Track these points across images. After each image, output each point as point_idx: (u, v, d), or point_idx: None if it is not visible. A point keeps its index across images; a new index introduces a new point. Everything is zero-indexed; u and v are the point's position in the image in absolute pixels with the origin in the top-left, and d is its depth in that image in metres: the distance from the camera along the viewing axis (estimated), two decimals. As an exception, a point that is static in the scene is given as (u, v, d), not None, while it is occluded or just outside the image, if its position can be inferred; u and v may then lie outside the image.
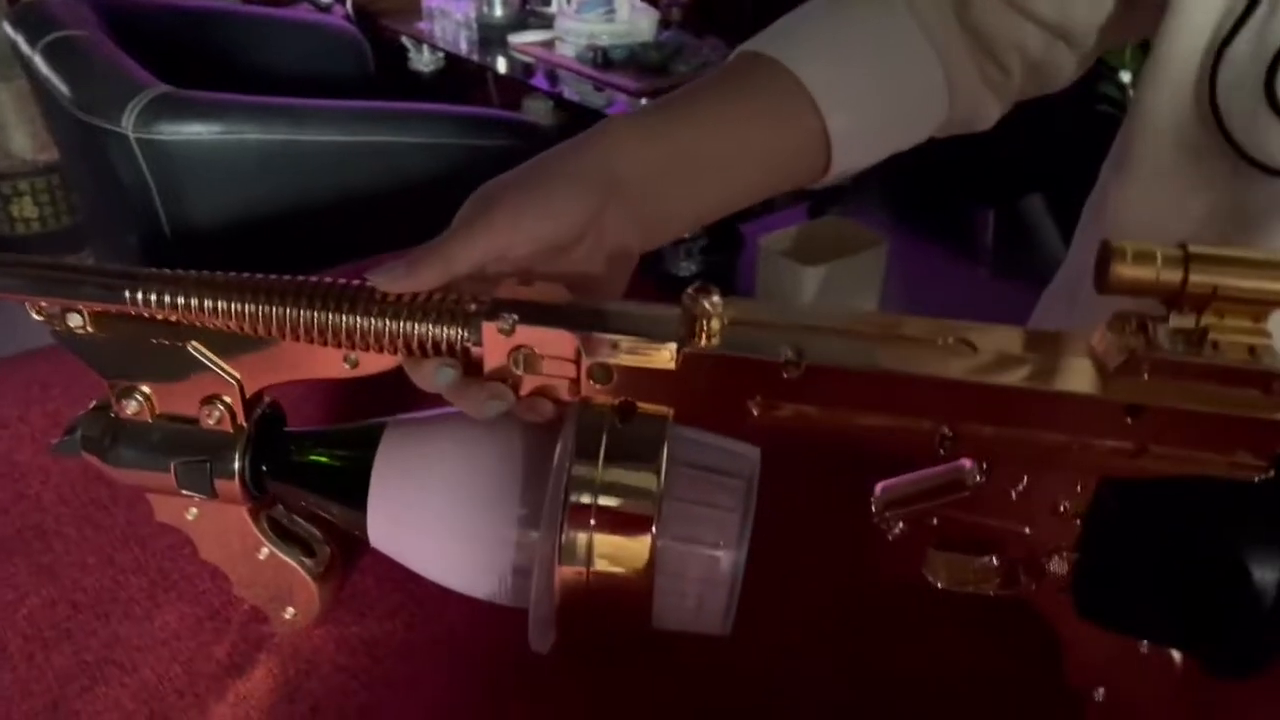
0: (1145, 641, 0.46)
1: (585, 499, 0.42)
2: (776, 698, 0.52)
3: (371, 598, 0.56)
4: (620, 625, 0.45)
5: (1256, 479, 0.41)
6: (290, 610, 0.53)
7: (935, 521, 0.45)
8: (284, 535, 0.52)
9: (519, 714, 0.51)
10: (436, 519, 0.47)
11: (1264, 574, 0.40)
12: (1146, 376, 0.40)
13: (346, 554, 0.56)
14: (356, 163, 1.47)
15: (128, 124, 1.31)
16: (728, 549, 0.45)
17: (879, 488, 0.46)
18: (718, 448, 0.47)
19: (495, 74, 2.72)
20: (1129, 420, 0.40)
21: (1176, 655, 0.47)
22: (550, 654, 0.48)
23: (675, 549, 0.44)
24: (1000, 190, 1.44)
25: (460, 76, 2.92)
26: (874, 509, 0.46)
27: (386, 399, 0.52)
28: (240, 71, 1.84)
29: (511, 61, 2.62)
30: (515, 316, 0.42)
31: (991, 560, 0.48)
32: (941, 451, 0.42)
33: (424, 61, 2.96)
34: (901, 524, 0.45)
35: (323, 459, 0.49)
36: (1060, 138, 1.46)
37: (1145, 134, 0.60)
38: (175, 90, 1.36)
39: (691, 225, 0.55)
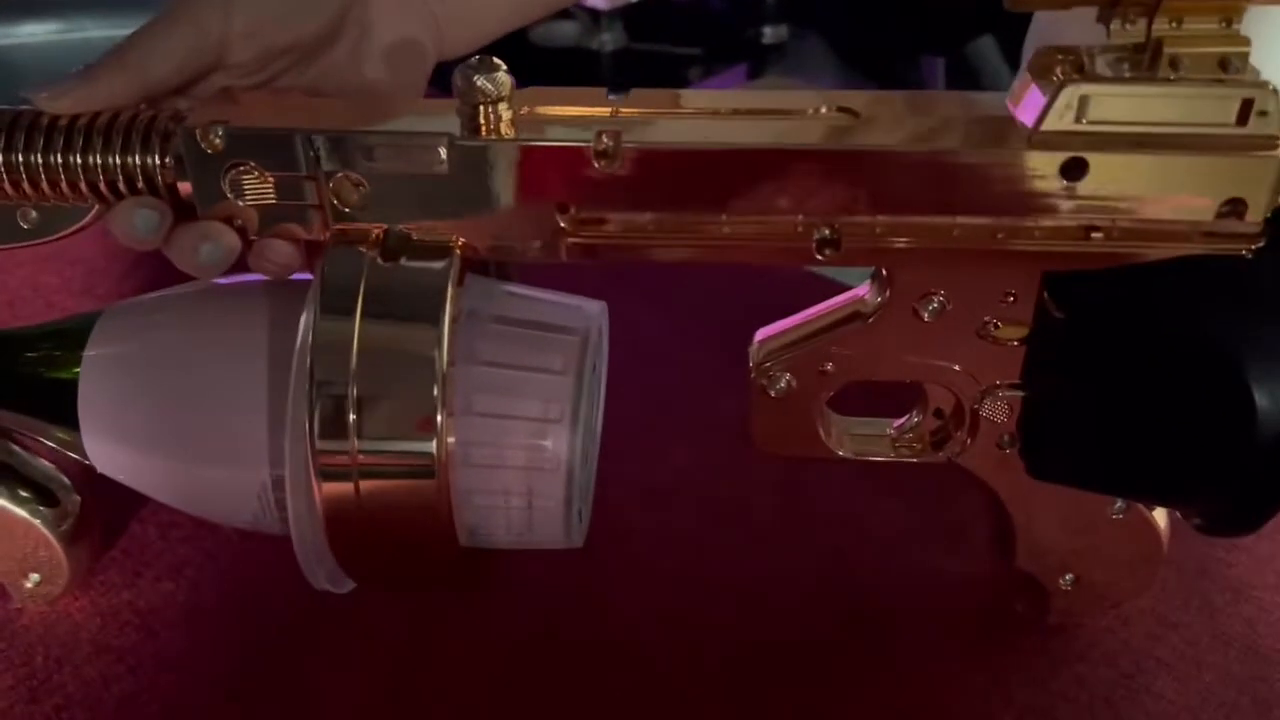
0: (1119, 501, 0.36)
1: (336, 377, 0.31)
2: (641, 632, 0.41)
3: (150, 554, 0.44)
4: (420, 548, 0.33)
5: (1246, 252, 0.30)
6: (34, 578, 0.41)
7: (829, 368, 0.34)
8: (14, 480, 0.40)
9: (324, 684, 0.39)
10: (165, 428, 0.35)
11: (1273, 392, 0.29)
12: (1085, 122, 0.29)
13: (119, 499, 0.44)
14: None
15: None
16: (559, 423, 0.33)
17: (756, 338, 0.35)
18: (537, 298, 0.36)
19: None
20: (1065, 184, 0.29)
21: (1160, 517, 0.37)
22: (359, 597, 0.37)
23: (481, 431, 0.33)
24: (947, 36, 1.33)
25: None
26: (751, 366, 0.35)
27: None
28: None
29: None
30: (223, 125, 0.31)
31: (911, 417, 0.37)
32: (820, 257, 0.31)
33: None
34: (788, 377, 0.34)
35: (26, 367, 0.37)
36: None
37: None
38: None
39: (504, 19, 0.42)
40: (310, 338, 0.31)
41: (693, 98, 0.33)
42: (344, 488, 0.32)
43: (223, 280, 0.36)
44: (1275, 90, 0.28)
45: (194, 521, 0.44)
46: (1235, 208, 0.30)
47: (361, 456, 0.31)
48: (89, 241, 0.54)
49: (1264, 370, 0.29)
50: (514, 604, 0.41)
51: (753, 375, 0.35)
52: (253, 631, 0.41)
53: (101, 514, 0.43)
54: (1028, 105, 0.30)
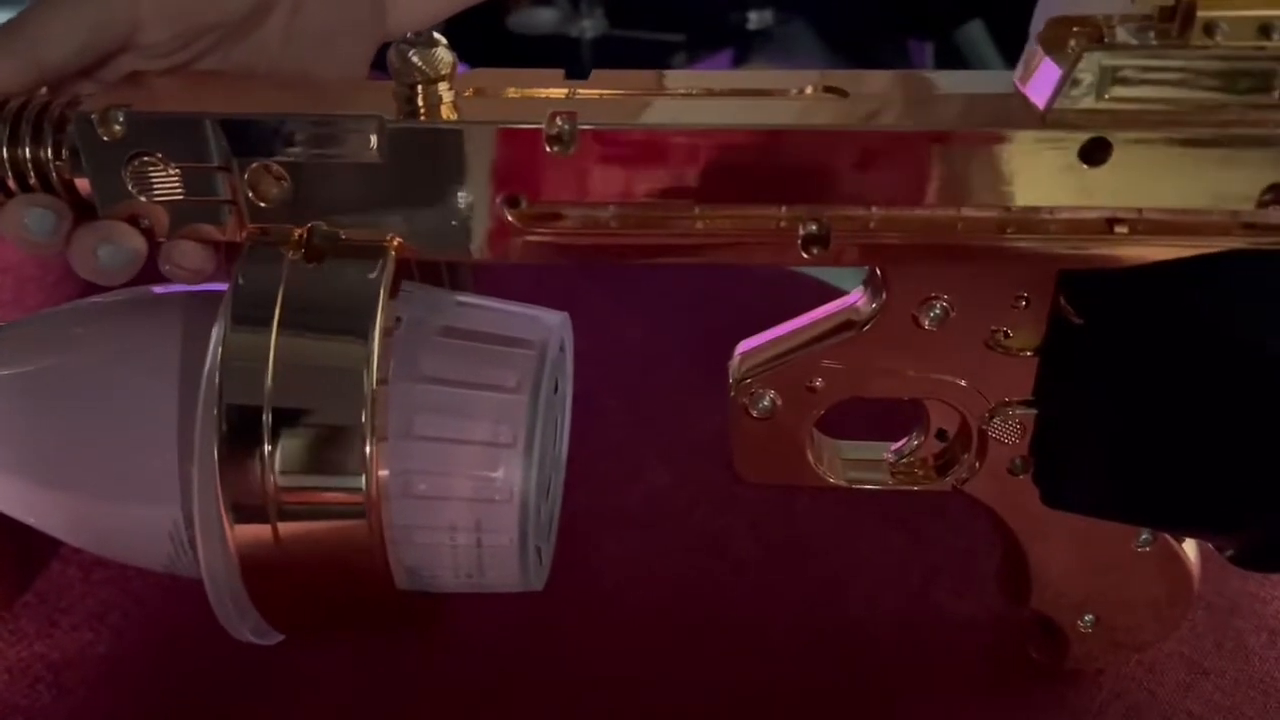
0: (1144, 533, 0.32)
1: (249, 399, 0.27)
2: (611, 678, 0.36)
3: (71, 598, 0.40)
4: (352, 596, 0.29)
5: (1290, 246, 0.26)
6: (-67, 628, 0.37)
7: (819, 384, 0.30)
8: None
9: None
10: (65, 459, 0.31)
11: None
12: (1107, 98, 0.25)
13: (39, 539, 0.40)
14: None
15: None
16: (512, 448, 0.29)
17: (737, 351, 0.31)
18: (489, 308, 0.32)
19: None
20: (1085, 168, 0.26)
21: (1189, 550, 0.33)
22: (296, 644, 0.33)
23: (423, 457, 0.29)
24: (936, 20, 1.30)
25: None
26: (730, 383, 0.31)
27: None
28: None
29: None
30: (124, 110, 0.27)
31: (911, 439, 0.33)
32: (807, 256, 0.27)
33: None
34: (772, 395, 0.30)
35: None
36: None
37: None
38: None
39: None
40: (220, 353, 0.27)
41: (662, 79, 0.29)
42: (260, 530, 0.27)
43: (135, 290, 0.32)
44: (1325, 59, 0.25)
45: (113, 564, 0.40)
46: (1278, 195, 0.26)
47: (280, 494, 0.27)
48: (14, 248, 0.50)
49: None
50: (467, 646, 0.37)
51: (733, 394, 0.31)
52: (176, 683, 0.37)
53: (14, 552, 0.39)
54: (1039, 80, 0.26)
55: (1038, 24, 0.27)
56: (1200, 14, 0.25)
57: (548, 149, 0.26)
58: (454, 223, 0.28)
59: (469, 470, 0.29)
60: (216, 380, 0.27)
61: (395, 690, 0.36)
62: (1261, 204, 0.26)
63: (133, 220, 0.28)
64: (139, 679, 0.37)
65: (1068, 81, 0.25)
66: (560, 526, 0.35)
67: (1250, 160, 0.25)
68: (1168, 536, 0.32)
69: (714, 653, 0.37)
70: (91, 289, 0.34)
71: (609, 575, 0.40)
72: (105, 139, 0.27)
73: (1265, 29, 0.25)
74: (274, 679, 0.36)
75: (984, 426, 0.30)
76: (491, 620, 0.37)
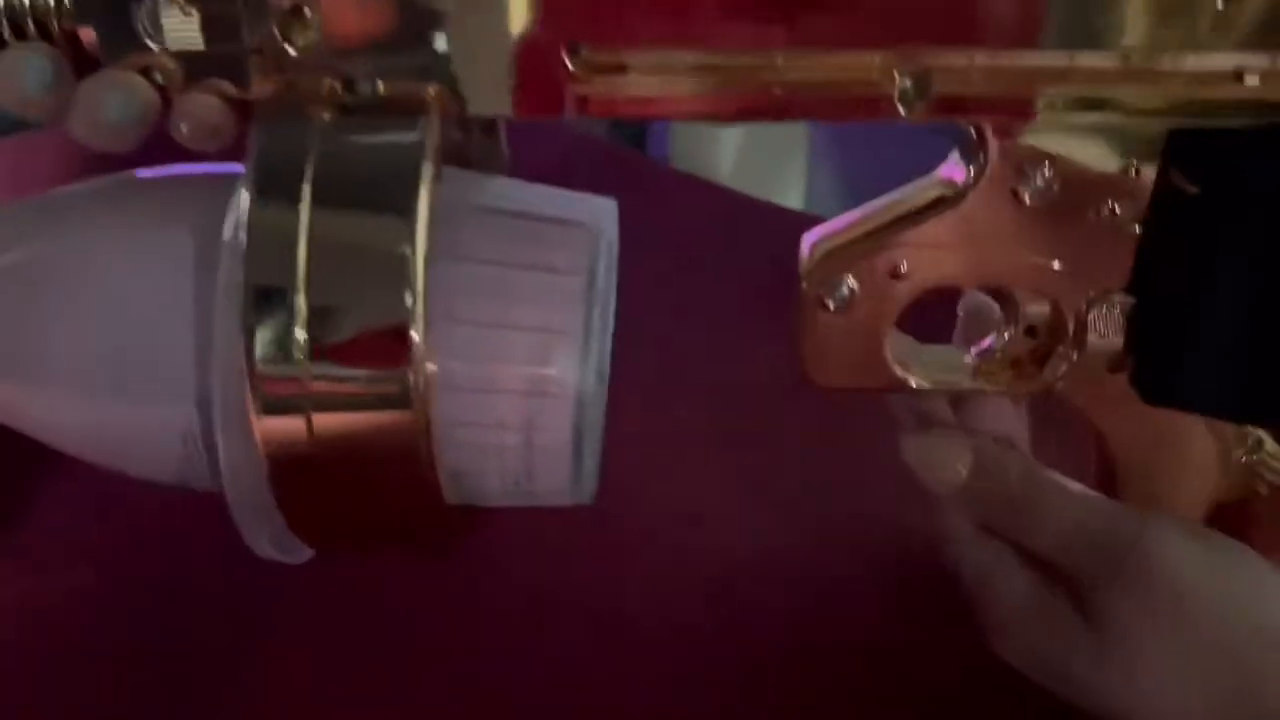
0: (1257, 430, 0.29)
1: (279, 281, 0.24)
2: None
3: (48, 538, 0.36)
4: (393, 502, 0.26)
5: None
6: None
7: (904, 269, 0.27)
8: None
9: (270, 682, 0.32)
10: (64, 355, 0.28)
11: None
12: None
13: (19, 458, 0.36)
14: None
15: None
16: (566, 336, 0.26)
17: (807, 240, 0.28)
18: (534, 187, 0.29)
19: None
20: (1220, 4, 0.23)
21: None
22: (313, 570, 0.30)
23: (467, 345, 0.26)
24: None
25: None
26: (803, 272, 0.28)
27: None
28: None
29: None
30: None
31: (1001, 335, 0.30)
32: (904, 110, 0.25)
33: None
34: (850, 283, 0.27)
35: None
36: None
37: None
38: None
39: None
40: (244, 232, 0.24)
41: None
42: (293, 424, 0.24)
43: (118, 175, 0.29)
44: None
45: (118, 489, 0.37)
46: None
47: (315, 383, 0.24)
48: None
49: None
50: (497, 573, 0.34)
51: (804, 285, 0.28)
52: (180, 620, 0.33)
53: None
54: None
55: None
56: None
57: (624, -13, 0.23)
58: (504, 73, 0.25)
59: (519, 360, 0.26)
60: (242, 261, 0.24)
61: (430, 618, 0.33)
62: None
63: (144, 74, 0.25)
64: (119, 618, 0.34)
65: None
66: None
67: None
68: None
69: (755, 592, 0.34)
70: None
71: (642, 501, 0.37)
72: (112, -26, 0.24)
73: None
74: (290, 613, 0.33)
75: (1082, 318, 0.28)
76: (527, 545, 0.34)
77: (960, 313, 0.32)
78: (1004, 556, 0.29)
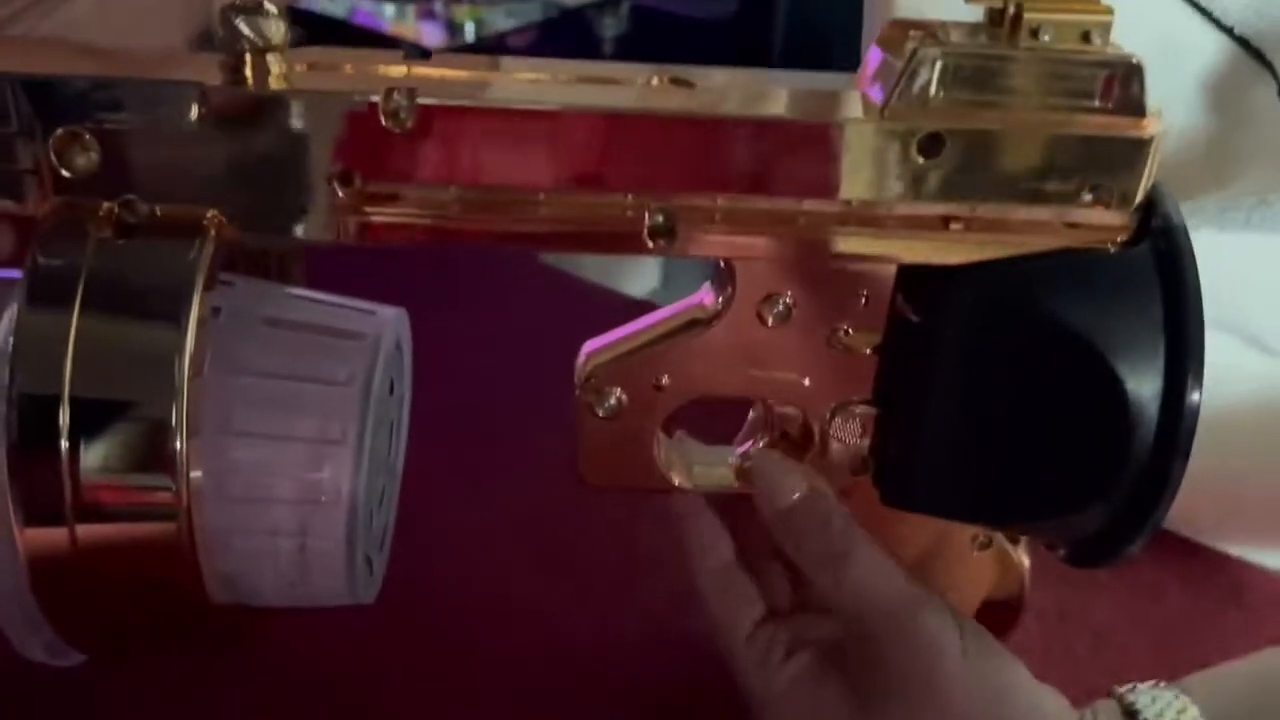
0: (980, 535, 0.32)
1: (44, 387, 0.24)
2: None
3: None
4: (161, 609, 0.27)
5: (1111, 245, 0.28)
6: None
7: (665, 381, 0.30)
8: None
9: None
10: None
11: (1140, 383, 0.27)
12: (942, 95, 0.26)
13: None
14: None
15: None
16: (341, 445, 0.27)
17: (584, 350, 0.31)
18: (319, 299, 0.30)
19: None
20: (921, 161, 0.26)
21: (1022, 555, 0.34)
22: (87, 671, 0.30)
23: (243, 455, 0.27)
24: None
25: None
26: (577, 382, 0.30)
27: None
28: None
29: None
30: None
31: (757, 441, 0.32)
32: (653, 245, 0.27)
33: None
34: (619, 393, 0.30)
35: None
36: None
37: None
38: None
39: None
40: (12, 337, 0.24)
41: (504, 63, 0.28)
42: (55, 534, 0.25)
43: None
44: (1139, 64, 0.26)
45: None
46: (1100, 195, 0.27)
47: (79, 494, 0.25)
48: None
49: (1132, 363, 0.26)
50: (290, 669, 0.35)
51: (579, 392, 0.30)
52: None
53: None
54: (878, 78, 0.27)
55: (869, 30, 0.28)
56: (1027, 16, 0.26)
57: (384, 123, 0.25)
58: (281, 201, 0.26)
59: (293, 469, 0.27)
60: (8, 365, 0.24)
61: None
62: (1083, 204, 0.27)
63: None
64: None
65: (904, 77, 0.26)
66: (395, 541, 0.33)
67: (1074, 161, 0.26)
68: (1003, 539, 0.33)
69: (555, 671, 0.36)
70: None
71: (444, 592, 0.38)
72: None
73: (1086, 35, 0.26)
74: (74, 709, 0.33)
75: (825, 426, 0.30)
76: (316, 641, 0.35)
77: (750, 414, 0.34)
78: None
